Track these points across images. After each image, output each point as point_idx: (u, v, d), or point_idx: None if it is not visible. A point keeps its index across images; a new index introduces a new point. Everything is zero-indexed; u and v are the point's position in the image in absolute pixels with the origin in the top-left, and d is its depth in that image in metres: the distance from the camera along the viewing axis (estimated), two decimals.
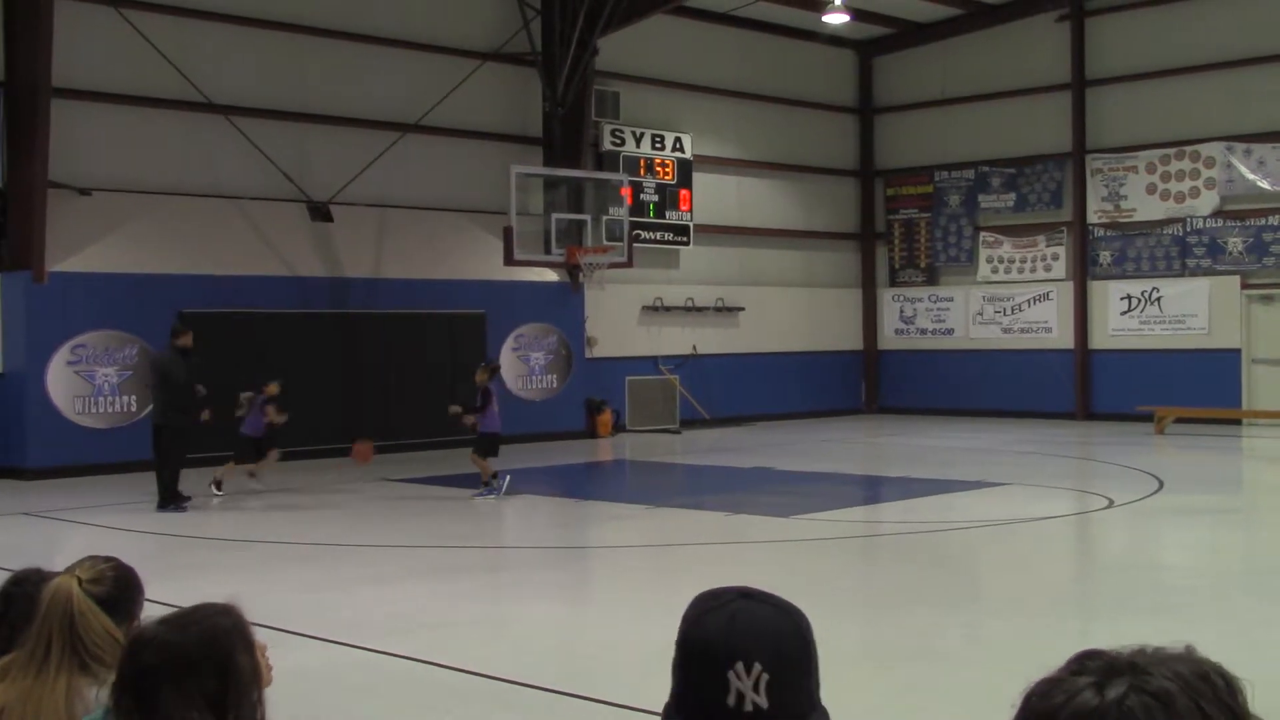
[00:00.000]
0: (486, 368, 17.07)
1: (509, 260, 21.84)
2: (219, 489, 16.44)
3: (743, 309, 27.82)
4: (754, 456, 21.02)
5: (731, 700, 1.84)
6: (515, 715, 7.45)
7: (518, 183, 21.79)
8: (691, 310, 26.90)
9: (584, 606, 11.08)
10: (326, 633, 8.94)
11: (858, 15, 26.84)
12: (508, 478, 16.25)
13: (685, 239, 26.65)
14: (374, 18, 22.21)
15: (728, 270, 27.74)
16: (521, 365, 23.91)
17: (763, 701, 1.84)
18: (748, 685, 1.84)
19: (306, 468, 19.13)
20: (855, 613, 10.04)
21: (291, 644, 8.29)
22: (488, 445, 16.28)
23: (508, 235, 21.46)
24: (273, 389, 16.59)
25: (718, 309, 27.38)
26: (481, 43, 23.44)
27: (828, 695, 1.98)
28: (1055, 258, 28.01)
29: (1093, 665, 1.47)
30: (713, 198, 27.22)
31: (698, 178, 26.87)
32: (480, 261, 23.15)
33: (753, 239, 28.23)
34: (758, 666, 1.85)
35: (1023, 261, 28.46)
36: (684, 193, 26.57)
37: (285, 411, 16.62)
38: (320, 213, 21.06)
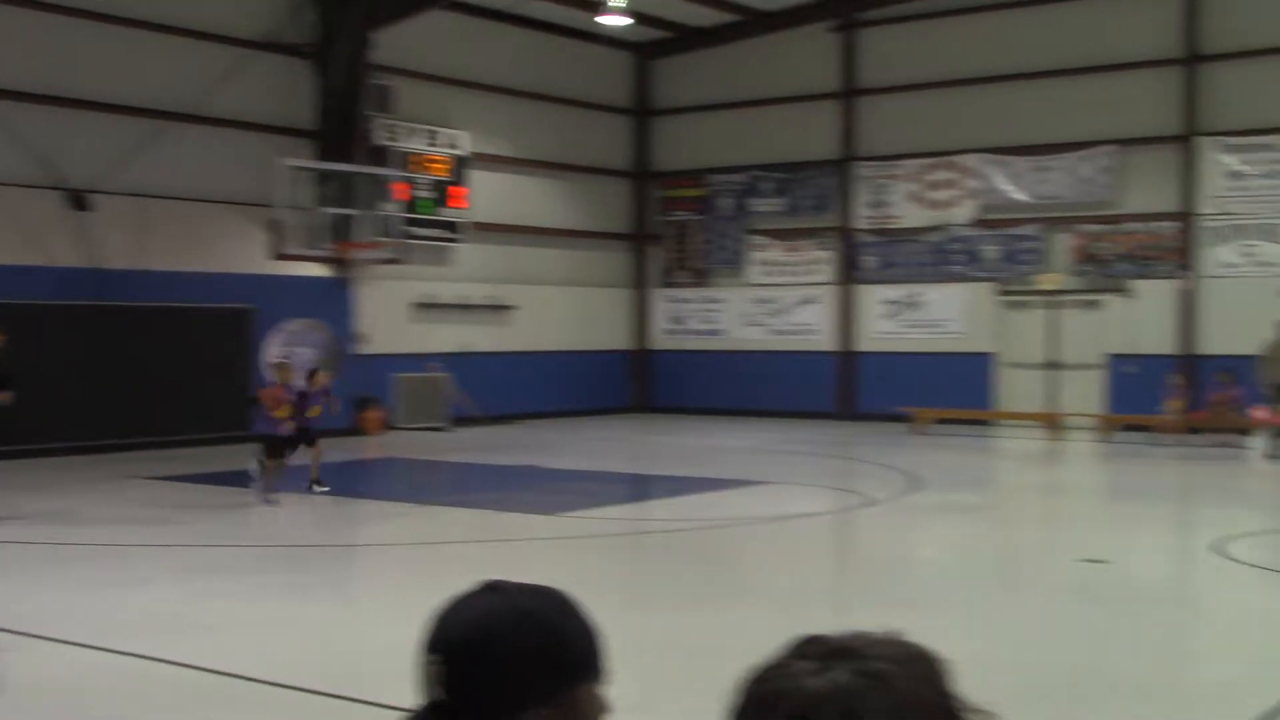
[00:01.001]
0: (284, 367, 17.06)
1: (277, 254, 21.52)
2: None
3: (516, 307, 27.86)
4: (523, 454, 21.12)
5: (424, 692, 1.84)
6: (272, 716, 7.41)
7: (288, 176, 21.47)
8: (464, 308, 26.82)
9: (342, 606, 10.99)
10: (76, 636, 8.72)
11: (637, 18, 27.13)
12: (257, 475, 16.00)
13: (458, 236, 26.56)
14: (142, 2, 21.53)
15: (501, 268, 27.75)
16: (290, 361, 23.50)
17: (440, 693, 1.82)
18: (430, 676, 1.83)
19: (61, 466, 18.46)
20: (615, 608, 10.20)
21: (40, 649, 8.07)
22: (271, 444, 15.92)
23: (276, 229, 21.12)
24: (322, 378, 17.11)
25: (490, 307, 27.41)
26: (254, 32, 23.18)
27: None
28: (822, 262, 28.78)
29: (812, 650, 1.51)
30: (487, 195, 27.22)
31: (473, 175, 26.80)
32: (249, 255, 22.93)
33: (527, 238, 28.29)
34: (434, 657, 1.83)
35: (791, 265, 29.12)
36: (457, 190, 26.54)
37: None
38: (78, 201, 20.34)
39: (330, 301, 24.29)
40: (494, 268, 27.62)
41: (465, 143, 26.74)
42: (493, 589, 1.90)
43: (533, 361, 28.02)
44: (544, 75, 28.42)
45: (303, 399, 16.22)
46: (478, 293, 27.19)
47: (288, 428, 15.76)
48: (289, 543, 14.03)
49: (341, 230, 22.93)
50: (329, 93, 22.97)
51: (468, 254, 26.91)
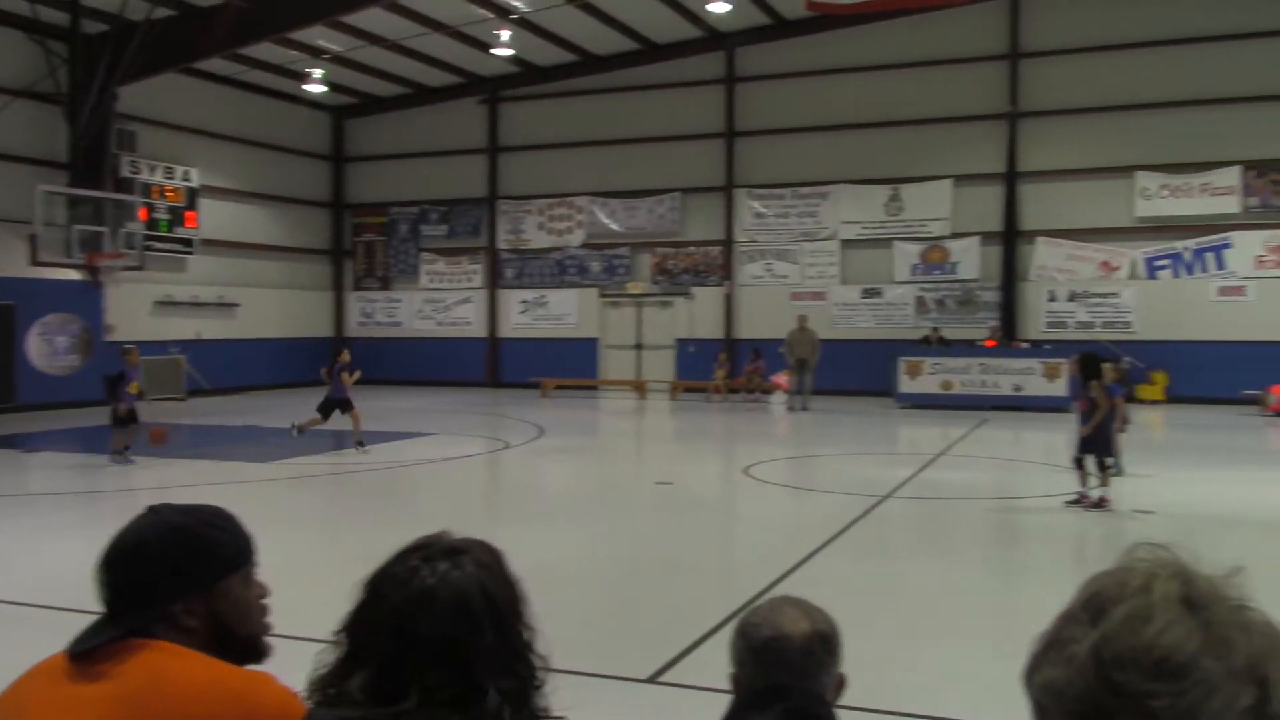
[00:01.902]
0: (130, 352, 14.81)
1: (34, 261, 19.54)
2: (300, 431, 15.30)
3: (239, 305, 26.35)
4: (245, 418, 20.00)
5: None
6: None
7: (45, 199, 19.58)
8: (196, 305, 25.16)
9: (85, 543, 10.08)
10: None
11: (333, 88, 26.22)
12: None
13: (191, 249, 24.92)
14: None
15: (228, 274, 26.20)
16: (47, 347, 21.45)
17: (106, 595, 1.75)
18: (99, 585, 1.76)
19: None
20: (315, 532, 9.87)
21: None
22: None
23: (33, 241, 19.17)
24: (345, 356, 15.43)
25: (219, 304, 25.78)
26: (16, 82, 20.79)
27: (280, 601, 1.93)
28: (475, 272, 28.62)
29: (422, 552, 1.55)
30: (215, 218, 25.62)
31: (203, 202, 25.16)
32: (11, 262, 20.63)
33: (248, 251, 26.82)
34: (100, 570, 1.76)
35: (452, 274, 28.85)
36: (190, 213, 24.87)
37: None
38: None
39: (84, 300, 22.24)
40: (222, 274, 26.05)
41: (196, 177, 25.05)
42: (154, 511, 1.81)
43: (254, 346, 26.63)
44: (261, 127, 27.01)
45: (122, 377, 14.14)
46: (208, 293, 25.57)
47: (129, 403, 13.82)
48: (53, 491, 12.77)
49: (92, 243, 21.04)
50: (81, 134, 20.99)
51: (199, 263, 25.26)
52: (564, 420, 20.58)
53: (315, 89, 25.73)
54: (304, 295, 28.77)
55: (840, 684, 1.91)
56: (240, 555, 1.83)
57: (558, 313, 27.74)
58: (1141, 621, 0.99)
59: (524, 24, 23.35)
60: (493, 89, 27.83)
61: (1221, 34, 22.07)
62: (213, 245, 25.49)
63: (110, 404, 13.90)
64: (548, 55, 26.02)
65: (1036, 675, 1.05)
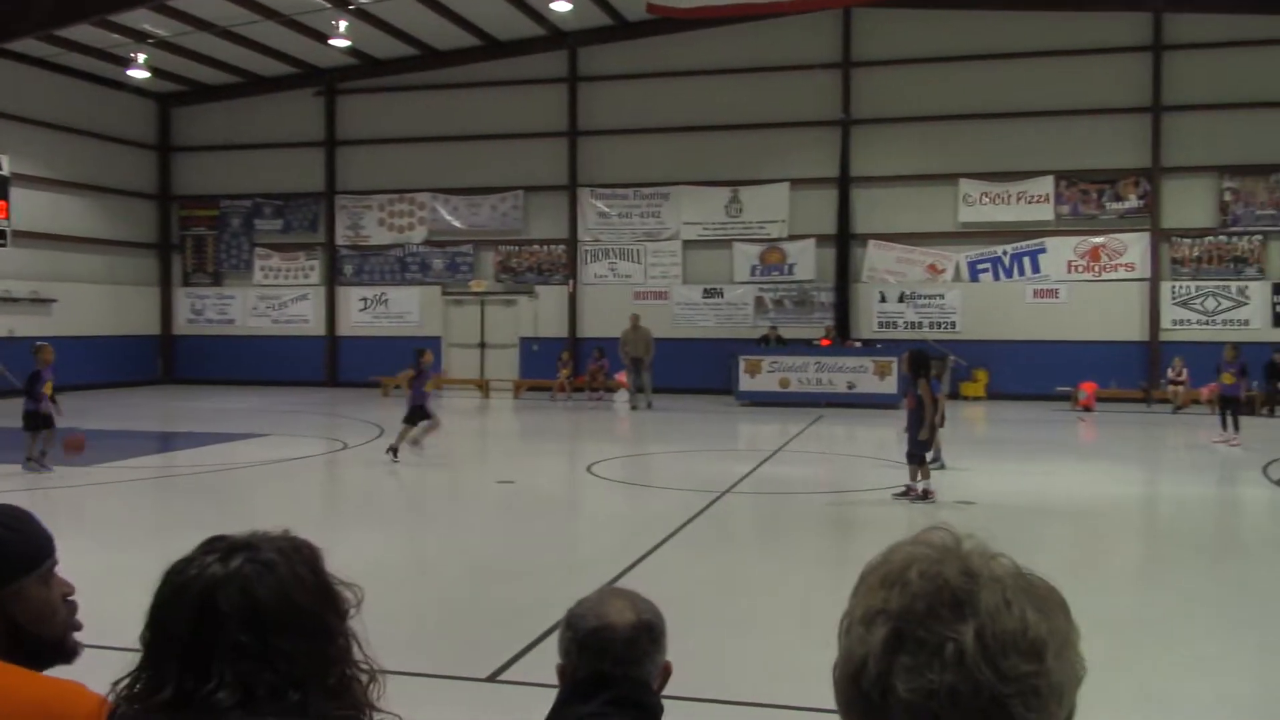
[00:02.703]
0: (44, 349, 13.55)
1: None
2: (395, 455, 13.74)
3: (56, 300, 24.90)
4: (65, 420, 18.85)
5: None
6: None
7: None
8: (8, 300, 23.64)
9: None
10: None
11: (157, 74, 25.04)
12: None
13: (2, 241, 23.29)
14: None
15: (43, 269, 24.73)
16: None
17: None
18: None
19: None
20: (138, 540, 9.42)
21: None
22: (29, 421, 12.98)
23: None
24: (428, 357, 14.19)
25: (33, 300, 24.30)
26: None
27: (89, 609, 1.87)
28: (312, 269, 27.87)
29: (219, 545, 1.49)
30: (29, 208, 24.06)
31: (15, 191, 23.59)
32: None
33: (66, 244, 25.38)
34: None
35: (288, 271, 28.00)
36: (1, 203, 23.20)
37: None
38: None
39: None
40: (37, 268, 24.53)
41: (6, 165, 23.46)
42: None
43: (73, 344, 25.10)
44: (80, 114, 25.58)
45: (36, 377, 13.08)
46: (21, 288, 24.05)
47: (46, 407, 12.84)
48: None
49: None
50: None
51: (11, 256, 23.61)
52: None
53: (139, 75, 24.50)
54: (128, 291, 27.40)
55: (666, 672, 1.96)
56: (35, 555, 1.75)
57: (399, 311, 27.25)
58: (1005, 607, 1.02)
59: (362, 15, 22.84)
60: (330, 80, 27.13)
61: (1036, 51, 23.39)
62: (26, 237, 23.94)
63: (28, 406, 12.93)
64: (387, 48, 25.53)
65: (907, 683, 0.99)
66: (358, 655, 1.53)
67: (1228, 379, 16.47)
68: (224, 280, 28.44)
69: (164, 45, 23.74)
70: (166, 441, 17.72)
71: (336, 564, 1.65)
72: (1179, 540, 9.98)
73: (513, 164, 26.28)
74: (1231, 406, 16.23)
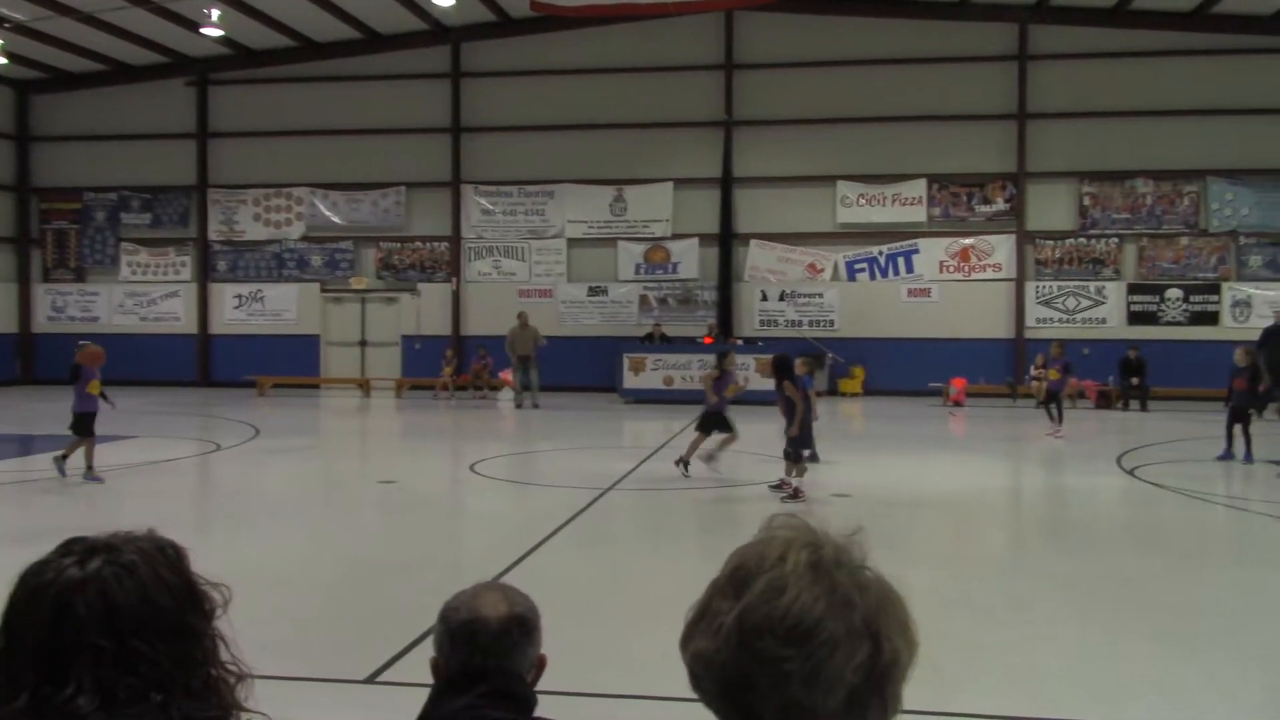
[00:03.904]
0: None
1: None
2: (686, 468, 12.15)
3: None
4: None
5: None
6: None
7: None
8: None
9: None
10: None
11: (14, 59, 23.89)
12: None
13: None
14: None
15: None
16: None
17: None
18: None
19: None
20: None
21: None
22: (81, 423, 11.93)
23: None
24: (732, 360, 12.20)
25: None
26: None
27: None
28: (183, 265, 26.99)
29: (77, 547, 1.46)
30: None
31: None
32: None
33: None
34: None
35: (158, 267, 27.05)
36: None
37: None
38: None
39: None
40: None
41: None
42: None
43: None
44: None
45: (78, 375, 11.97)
46: None
47: (92, 408, 11.77)
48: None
49: None
50: None
51: None
52: (282, 420, 19.73)
53: None
54: None
55: (540, 665, 1.98)
56: None
57: (276, 308, 26.58)
58: (777, 592, 1.10)
59: (236, 3, 22.18)
60: (203, 70, 26.29)
61: (910, 58, 24.10)
62: None
63: (85, 408, 11.83)
64: (263, 38, 24.85)
65: (689, 645, 1.15)
66: (225, 656, 1.51)
67: (1053, 375, 17.15)
68: (87, 276, 27.30)
69: (22, 30, 22.65)
70: (25, 445, 16.89)
71: (210, 566, 1.62)
72: (1040, 528, 10.43)
73: (395, 159, 25.88)
74: (1055, 400, 16.98)
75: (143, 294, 27.06)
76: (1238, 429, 13.85)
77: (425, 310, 26.14)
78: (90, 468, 11.84)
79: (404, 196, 26.04)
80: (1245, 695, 5.35)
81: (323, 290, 26.45)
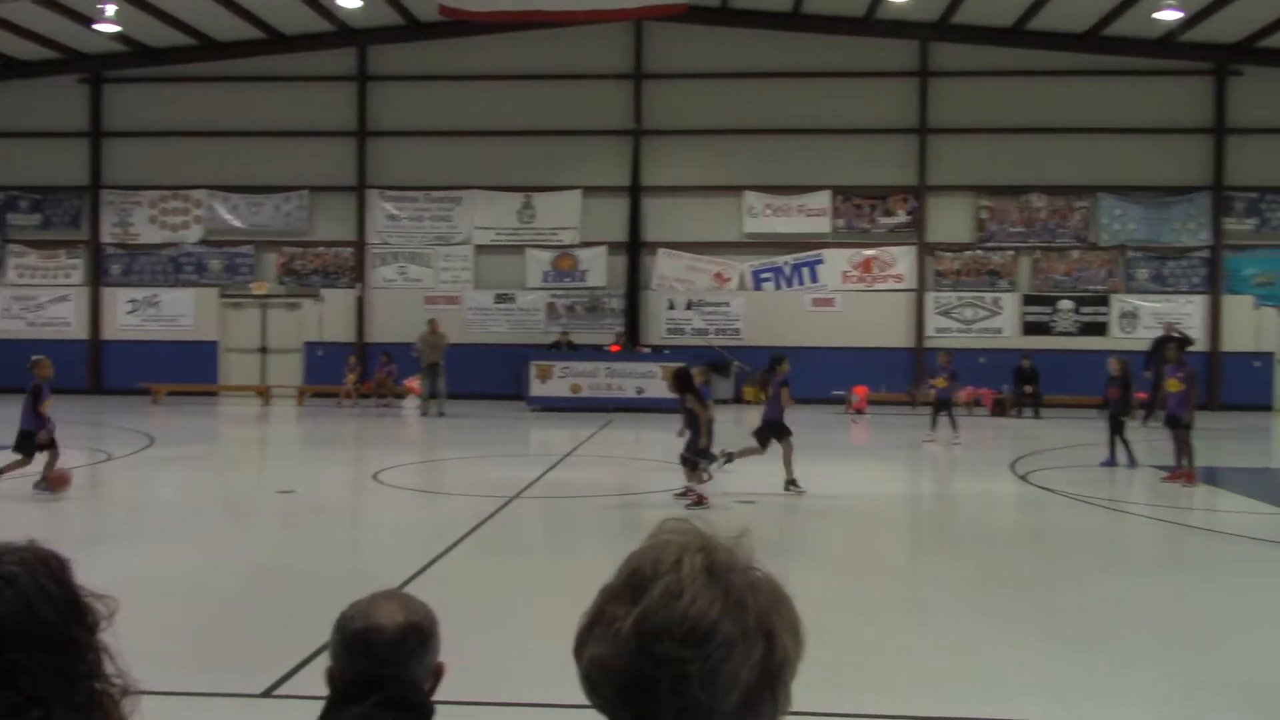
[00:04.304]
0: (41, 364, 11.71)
1: None
2: (797, 486, 11.54)
3: None
4: None
5: None
6: None
7: None
8: None
9: None
10: None
11: None
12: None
13: None
14: None
15: None
16: None
17: None
18: None
19: None
20: None
21: None
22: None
23: None
24: (785, 367, 11.30)
25: None
26: None
27: None
28: (75, 268, 26.11)
29: None
30: None
31: None
32: None
33: None
34: None
35: (47, 270, 26.11)
36: None
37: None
38: None
39: None
40: None
41: None
42: None
43: None
44: None
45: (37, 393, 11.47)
46: None
47: (49, 429, 11.29)
48: None
49: None
50: None
51: None
52: (177, 428, 19.19)
53: None
54: None
55: (439, 673, 1.96)
56: None
57: (172, 313, 25.86)
58: (674, 596, 1.11)
59: None
60: (97, 67, 25.50)
61: (817, 71, 24.53)
62: None
63: (32, 426, 11.27)
64: (161, 35, 24.20)
65: (585, 651, 1.15)
66: (110, 670, 1.49)
67: (940, 383, 17.21)
68: None
69: None
70: None
71: (99, 578, 1.57)
72: (938, 532, 10.69)
73: (298, 162, 25.42)
74: (945, 408, 17.14)
75: (30, 298, 26.07)
76: (1115, 435, 14.31)
77: (329, 316, 25.69)
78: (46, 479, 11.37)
79: (307, 200, 25.58)
80: (1130, 693, 5.55)
81: (221, 295, 25.83)
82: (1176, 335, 20.78)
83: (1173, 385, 13.47)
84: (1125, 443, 14.30)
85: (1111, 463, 14.27)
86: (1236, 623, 6.96)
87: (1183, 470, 12.89)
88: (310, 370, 25.60)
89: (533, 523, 10.72)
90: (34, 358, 12.26)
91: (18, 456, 11.46)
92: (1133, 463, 14.20)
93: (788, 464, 11.62)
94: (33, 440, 11.41)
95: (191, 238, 25.88)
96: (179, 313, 25.91)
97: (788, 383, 11.95)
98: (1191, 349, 19.49)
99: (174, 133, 25.63)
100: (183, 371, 25.08)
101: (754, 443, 11.86)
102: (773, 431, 11.71)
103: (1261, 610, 7.36)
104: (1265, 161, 24.12)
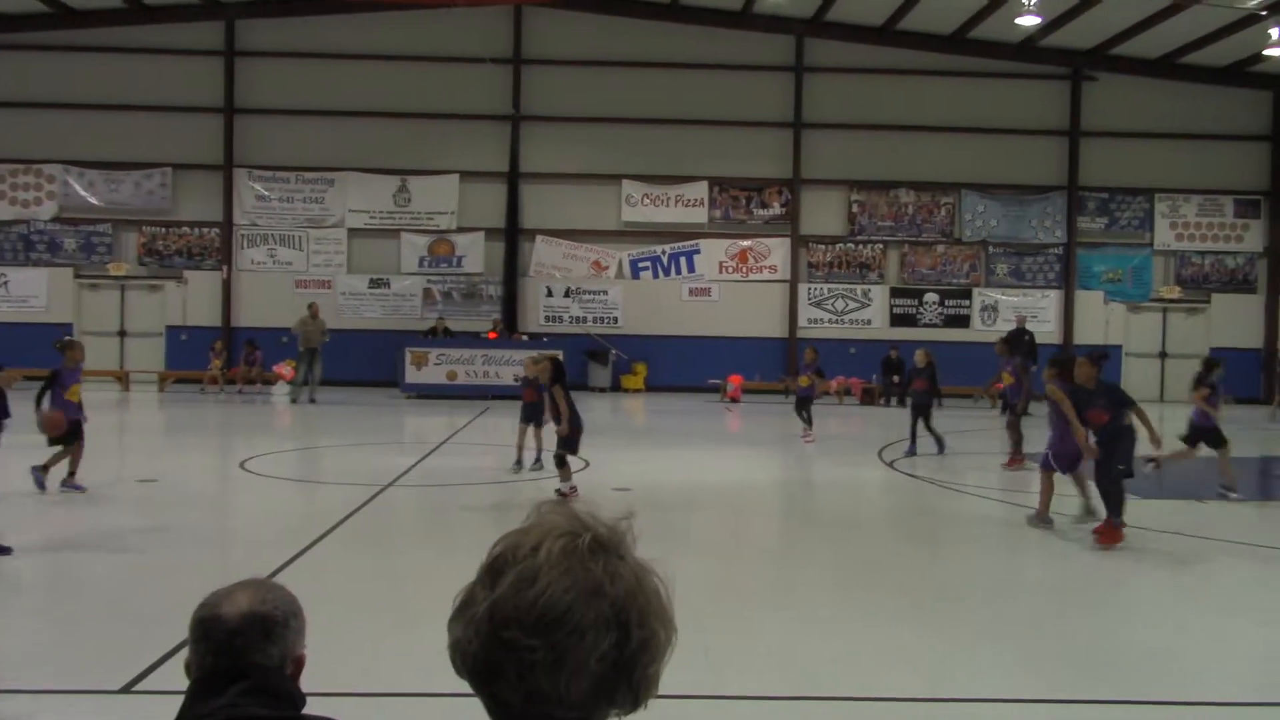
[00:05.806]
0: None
1: None
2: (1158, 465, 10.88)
3: None
4: None
5: None
6: None
7: None
8: None
9: None
10: None
11: None
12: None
13: None
14: None
15: None
16: None
17: None
18: None
19: None
20: None
21: None
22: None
23: None
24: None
25: None
26: None
27: None
28: None
29: None
30: None
31: None
32: None
33: None
34: None
35: None
36: None
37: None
38: None
39: None
40: None
41: None
42: None
43: None
44: None
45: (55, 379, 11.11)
46: None
47: (72, 414, 10.83)
48: None
49: None
50: None
51: None
52: (25, 416, 18.24)
53: None
54: None
55: (299, 664, 1.94)
56: None
57: (22, 294, 24.63)
58: (527, 583, 1.13)
59: None
60: None
61: (696, 63, 24.76)
62: None
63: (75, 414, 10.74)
64: (10, 1, 22.94)
65: (449, 634, 1.18)
66: None
67: (803, 381, 16.63)
68: None
69: None
70: None
71: None
72: (806, 517, 10.99)
73: (160, 139, 24.45)
74: (806, 406, 16.44)
75: None
76: (921, 424, 14.69)
77: (192, 299, 24.83)
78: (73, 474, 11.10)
79: (170, 178, 24.65)
80: (984, 667, 5.84)
81: (77, 276, 24.71)
82: (1028, 330, 22.02)
83: (1006, 378, 14.28)
84: (932, 431, 14.64)
85: (912, 452, 14.50)
86: (1072, 598, 7.38)
87: (1017, 456, 13.57)
88: (172, 355, 24.70)
89: (406, 512, 10.61)
90: (65, 338, 12.14)
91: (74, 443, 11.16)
92: (941, 449, 14.61)
93: (1224, 469, 11.52)
94: (80, 427, 11.18)
95: (44, 215, 24.67)
96: (30, 293, 24.67)
97: (1216, 388, 11.59)
98: (1036, 341, 20.96)
99: (25, 103, 24.36)
100: (34, 355, 23.80)
101: (1184, 447, 11.65)
102: (1207, 435, 11.51)
103: (1097, 586, 7.81)
104: (1115, 164, 25.39)
